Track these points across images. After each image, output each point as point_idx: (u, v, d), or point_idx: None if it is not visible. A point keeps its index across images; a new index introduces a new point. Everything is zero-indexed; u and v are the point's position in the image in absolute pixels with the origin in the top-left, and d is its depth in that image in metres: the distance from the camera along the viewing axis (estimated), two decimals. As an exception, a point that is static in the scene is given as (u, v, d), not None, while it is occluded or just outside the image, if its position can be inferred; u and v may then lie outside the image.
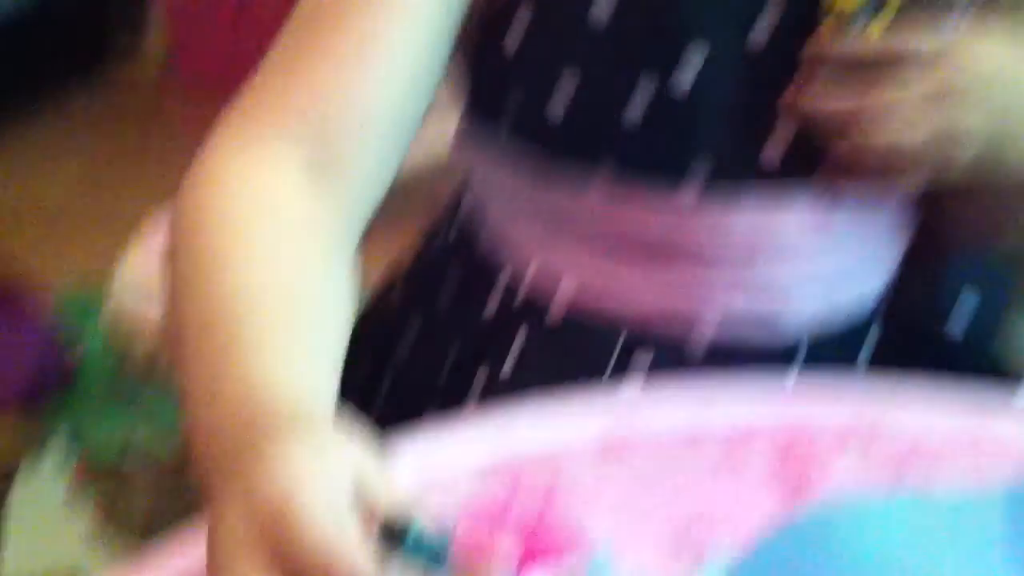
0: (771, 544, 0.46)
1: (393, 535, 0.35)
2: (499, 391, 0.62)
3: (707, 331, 0.62)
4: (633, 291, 0.62)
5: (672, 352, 0.62)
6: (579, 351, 0.63)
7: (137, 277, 0.98)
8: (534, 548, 0.44)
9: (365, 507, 0.36)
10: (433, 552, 0.34)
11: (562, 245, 0.63)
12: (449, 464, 0.51)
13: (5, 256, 1.74)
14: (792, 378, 0.61)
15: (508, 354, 0.63)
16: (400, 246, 0.75)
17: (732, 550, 0.46)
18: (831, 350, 0.63)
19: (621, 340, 0.62)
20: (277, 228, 0.48)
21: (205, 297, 0.46)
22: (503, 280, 0.65)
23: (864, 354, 0.64)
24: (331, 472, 0.36)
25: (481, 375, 0.64)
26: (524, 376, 0.62)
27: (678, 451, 0.52)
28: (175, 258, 0.49)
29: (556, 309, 0.63)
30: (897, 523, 0.47)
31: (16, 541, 1.41)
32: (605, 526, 0.47)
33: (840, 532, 0.46)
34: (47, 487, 1.52)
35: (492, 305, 0.65)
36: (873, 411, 0.54)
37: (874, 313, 0.64)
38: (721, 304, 0.62)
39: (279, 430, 0.39)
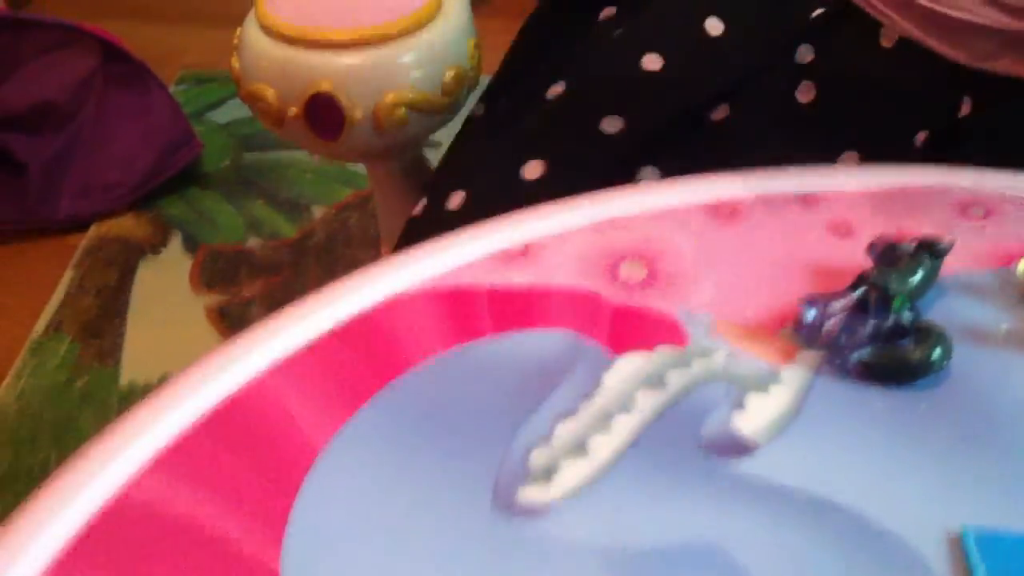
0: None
1: None
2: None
3: None
4: None
5: None
6: None
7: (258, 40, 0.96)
8: (629, 333, 0.45)
9: None
10: None
11: None
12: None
13: (140, 38, 1.78)
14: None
15: None
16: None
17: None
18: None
19: None
20: None
21: None
22: None
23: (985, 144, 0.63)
24: None
25: None
26: None
27: (791, 210, 0.52)
28: None
29: None
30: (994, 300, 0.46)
31: (138, 325, 1.47)
32: (707, 293, 0.47)
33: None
34: (170, 272, 1.58)
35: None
36: (991, 198, 0.52)
37: None
38: None
39: None
